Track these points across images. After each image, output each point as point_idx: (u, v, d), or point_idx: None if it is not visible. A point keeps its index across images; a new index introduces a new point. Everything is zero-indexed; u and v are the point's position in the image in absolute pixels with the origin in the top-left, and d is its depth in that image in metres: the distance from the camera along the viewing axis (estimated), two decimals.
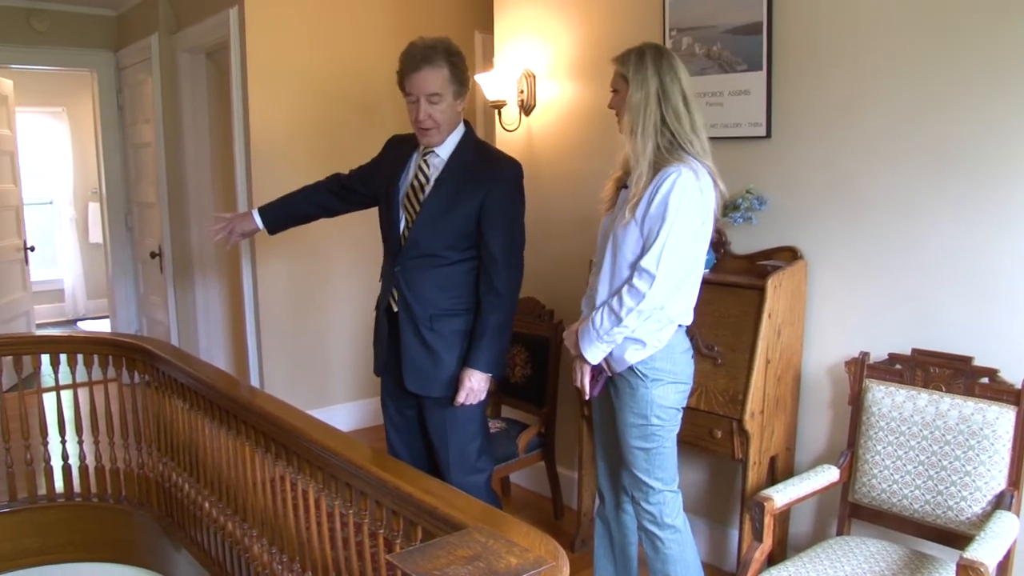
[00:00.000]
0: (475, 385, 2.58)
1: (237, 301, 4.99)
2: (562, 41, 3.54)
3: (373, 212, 2.86)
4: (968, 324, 2.41)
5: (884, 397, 2.41)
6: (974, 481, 2.22)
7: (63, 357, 3.43)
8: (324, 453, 2.12)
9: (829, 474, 2.48)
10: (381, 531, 1.98)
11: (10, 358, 3.45)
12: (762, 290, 2.59)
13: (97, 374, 3.43)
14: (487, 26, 4.14)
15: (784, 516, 2.82)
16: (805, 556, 2.33)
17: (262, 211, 2.99)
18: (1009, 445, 2.20)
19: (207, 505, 2.93)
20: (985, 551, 1.93)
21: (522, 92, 3.71)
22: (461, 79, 2.57)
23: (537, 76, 3.66)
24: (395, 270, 2.64)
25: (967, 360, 2.35)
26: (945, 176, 2.42)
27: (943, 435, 2.29)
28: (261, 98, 4.39)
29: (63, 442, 3.49)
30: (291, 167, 4.44)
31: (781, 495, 2.35)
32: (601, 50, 3.29)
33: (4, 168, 5.93)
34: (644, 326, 2.24)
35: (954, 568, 1.94)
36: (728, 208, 2.77)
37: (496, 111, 3.83)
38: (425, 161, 2.63)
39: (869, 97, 2.56)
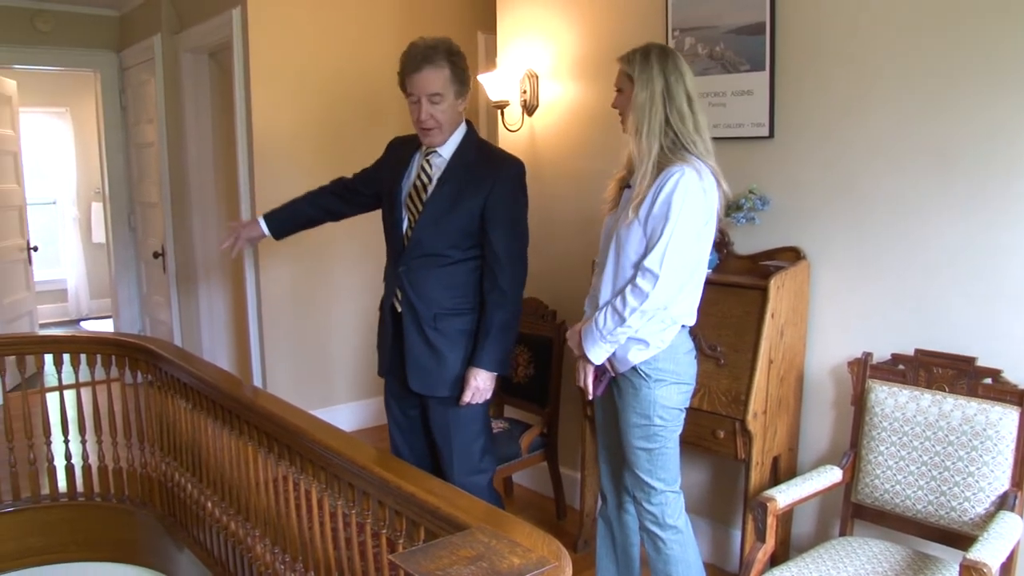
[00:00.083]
0: (481, 384, 2.58)
1: (240, 301, 4.99)
2: (565, 41, 3.54)
3: (376, 213, 2.87)
4: (971, 324, 2.41)
5: (887, 397, 2.41)
6: (977, 482, 2.22)
7: (66, 357, 3.44)
8: (327, 453, 2.12)
9: (832, 474, 2.47)
10: (384, 531, 1.98)
11: (13, 358, 3.46)
12: (765, 290, 2.59)
13: (100, 374, 3.43)
14: (490, 26, 4.14)
15: (787, 516, 2.82)
16: (808, 557, 2.33)
17: (267, 217, 2.98)
18: (1013, 446, 2.19)
19: (210, 505, 2.93)
20: (988, 552, 1.93)
21: (525, 92, 3.71)
22: (462, 79, 2.57)
23: (540, 76, 3.66)
24: (399, 270, 2.64)
25: (970, 361, 2.34)
26: (949, 176, 2.42)
27: (946, 436, 2.28)
28: (264, 98, 4.40)
29: (66, 442, 3.49)
30: (294, 167, 4.45)
31: (784, 495, 2.35)
32: (604, 50, 3.29)
33: (8, 168, 5.94)
34: (647, 326, 2.24)
35: (957, 569, 1.94)
36: (731, 208, 2.77)
37: (499, 111, 3.83)
38: (427, 161, 2.64)
39: (872, 97, 2.56)
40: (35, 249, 6.29)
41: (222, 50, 4.79)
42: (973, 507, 2.23)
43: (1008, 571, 2.19)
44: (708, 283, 2.42)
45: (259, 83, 4.37)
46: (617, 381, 2.38)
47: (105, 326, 7.72)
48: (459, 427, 2.66)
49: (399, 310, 2.66)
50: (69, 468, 3.52)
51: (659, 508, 2.37)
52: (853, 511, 2.51)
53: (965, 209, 2.39)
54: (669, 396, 2.31)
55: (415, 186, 2.64)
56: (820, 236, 2.73)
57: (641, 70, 2.25)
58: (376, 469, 1.94)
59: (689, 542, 2.41)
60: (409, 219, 2.63)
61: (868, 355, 2.53)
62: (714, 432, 2.67)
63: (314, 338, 4.74)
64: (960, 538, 2.25)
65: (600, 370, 2.37)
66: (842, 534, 2.52)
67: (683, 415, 2.38)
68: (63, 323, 8.48)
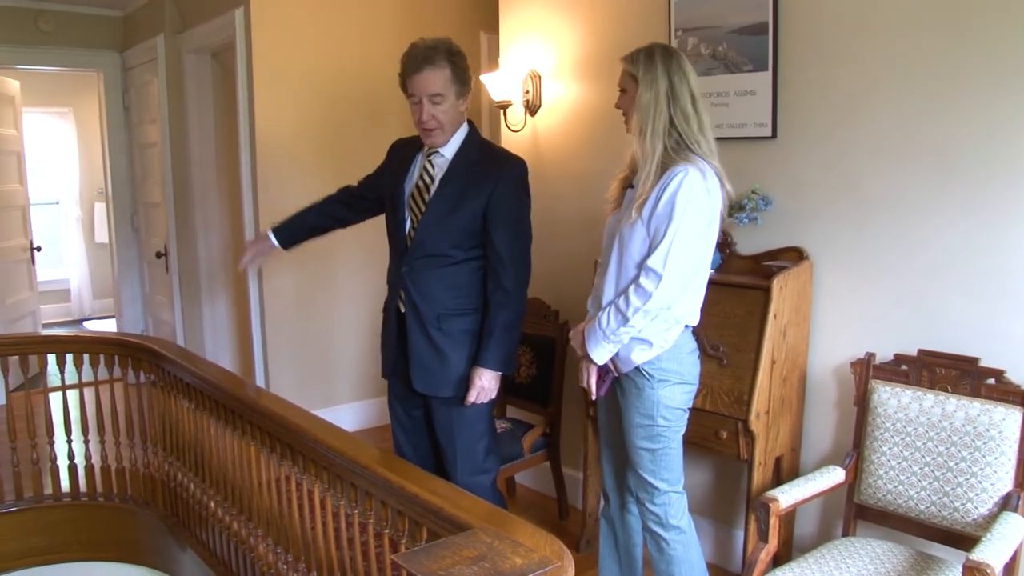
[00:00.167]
0: (485, 384, 2.58)
1: (243, 301, 5.00)
2: (567, 41, 3.54)
3: (378, 215, 2.87)
4: (974, 325, 2.41)
5: (890, 398, 2.41)
6: (980, 482, 2.22)
7: (69, 357, 3.44)
8: (329, 453, 2.12)
9: (835, 475, 2.47)
10: (386, 531, 1.98)
11: (16, 358, 3.47)
12: (767, 291, 2.59)
13: (103, 374, 3.44)
14: (492, 26, 4.14)
15: (789, 517, 2.82)
16: (810, 557, 2.33)
17: (275, 230, 2.99)
18: (1016, 446, 2.19)
19: (212, 505, 2.93)
20: (992, 552, 1.93)
21: (527, 92, 3.71)
22: (463, 79, 2.57)
23: (542, 76, 3.66)
24: (402, 271, 2.64)
25: (973, 361, 2.34)
26: (951, 176, 2.42)
27: (949, 436, 2.28)
28: (266, 98, 4.40)
29: (69, 442, 3.50)
30: (296, 167, 4.45)
31: (786, 496, 2.35)
32: (606, 50, 3.29)
33: (11, 168, 5.95)
34: (651, 326, 2.24)
35: (960, 570, 1.93)
36: (733, 208, 2.77)
37: (501, 111, 3.83)
38: (430, 161, 2.64)
39: (875, 97, 2.56)
40: (38, 249, 6.30)
41: (225, 50, 4.80)
42: (976, 508, 2.22)
43: (1011, 572, 2.18)
44: (711, 283, 2.42)
45: (262, 83, 4.38)
46: (620, 381, 2.38)
47: (108, 326, 7.73)
48: (463, 427, 2.66)
49: (403, 311, 2.66)
50: (72, 468, 3.52)
51: (662, 508, 2.37)
52: (856, 511, 2.51)
53: (968, 209, 2.39)
54: (672, 396, 2.31)
55: (417, 187, 2.64)
56: (823, 236, 2.73)
57: (645, 70, 2.25)
58: (379, 469, 1.94)
59: (692, 542, 2.41)
60: (412, 220, 2.63)
61: (871, 355, 2.52)
62: (717, 432, 2.66)
63: (317, 338, 4.74)
64: (963, 539, 2.25)
65: (603, 370, 2.37)
66: (845, 535, 2.52)
67: (687, 415, 2.38)
68: (66, 323, 8.50)
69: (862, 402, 2.51)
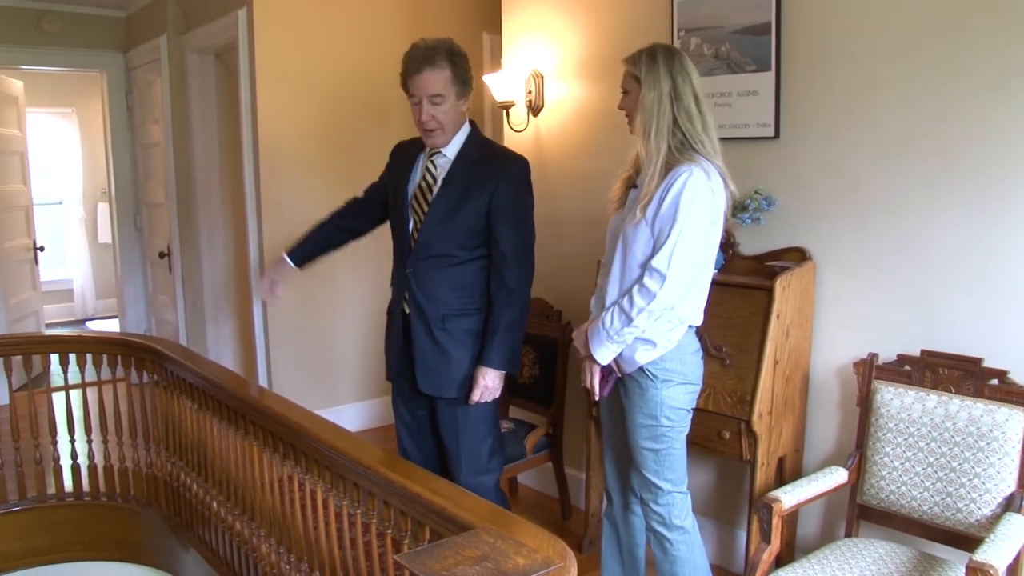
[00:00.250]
0: (490, 383, 2.58)
1: (245, 301, 5.00)
2: (570, 42, 3.54)
3: None
4: (978, 325, 2.40)
5: (893, 398, 2.40)
6: (983, 483, 2.21)
7: (72, 357, 3.44)
8: (332, 453, 2.12)
9: (837, 475, 2.47)
10: (389, 531, 1.98)
11: (20, 358, 3.48)
12: (770, 291, 2.58)
13: (106, 374, 3.44)
14: (495, 27, 4.14)
15: (792, 517, 2.81)
16: (813, 558, 2.32)
17: (290, 253, 2.93)
18: (1019, 447, 2.19)
19: (215, 505, 2.94)
20: (995, 553, 1.93)
21: (530, 93, 3.71)
22: (464, 79, 2.57)
23: (545, 76, 3.66)
24: (406, 272, 2.64)
25: (977, 361, 2.34)
26: (954, 177, 2.42)
27: (952, 437, 2.28)
28: (269, 98, 4.41)
29: (72, 441, 3.50)
30: (299, 167, 4.45)
31: (789, 496, 2.35)
32: (609, 51, 3.29)
33: (14, 168, 5.96)
34: (654, 326, 2.24)
35: (963, 570, 1.93)
36: (736, 209, 2.77)
37: (504, 112, 3.83)
38: (432, 162, 2.64)
39: (877, 98, 2.56)
40: (41, 249, 6.31)
41: (228, 51, 4.80)
42: (979, 508, 2.22)
43: (1014, 572, 2.18)
44: (714, 283, 2.42)
45: (265, 83, 4.38)
46: (624, 381, 2.38)
47: (111, 326, 7.75)
48: (468, 427, 2.66)
49: (407, 312, 2.66)
50: (75, 468, 3.53)
51: (666, 509, 2.37)
52: (859, 512, 2.50)
53: (970, 209, 2.39)
54: (676, 396, 2.31)
55: (420, 187, 2.64)
56: (826, 236, 2.73)
57: (648, 71, 2.24)
58: (381, 469, 1.94)
59: (696, 543, 2.41)
60: (415, 220, 2.63)
61: (874, 356, 2.52)
62: (719, 433, 2.66)
63: (319, 338, 4.75)
64: (966, 539, 2.24)
65: (606, 370, 2.37)
66: (848, 535, 2.51)
67: (690, 415, 2.38)
68: (69, 323, 8.51)
69: (865, 402, 2.51)
